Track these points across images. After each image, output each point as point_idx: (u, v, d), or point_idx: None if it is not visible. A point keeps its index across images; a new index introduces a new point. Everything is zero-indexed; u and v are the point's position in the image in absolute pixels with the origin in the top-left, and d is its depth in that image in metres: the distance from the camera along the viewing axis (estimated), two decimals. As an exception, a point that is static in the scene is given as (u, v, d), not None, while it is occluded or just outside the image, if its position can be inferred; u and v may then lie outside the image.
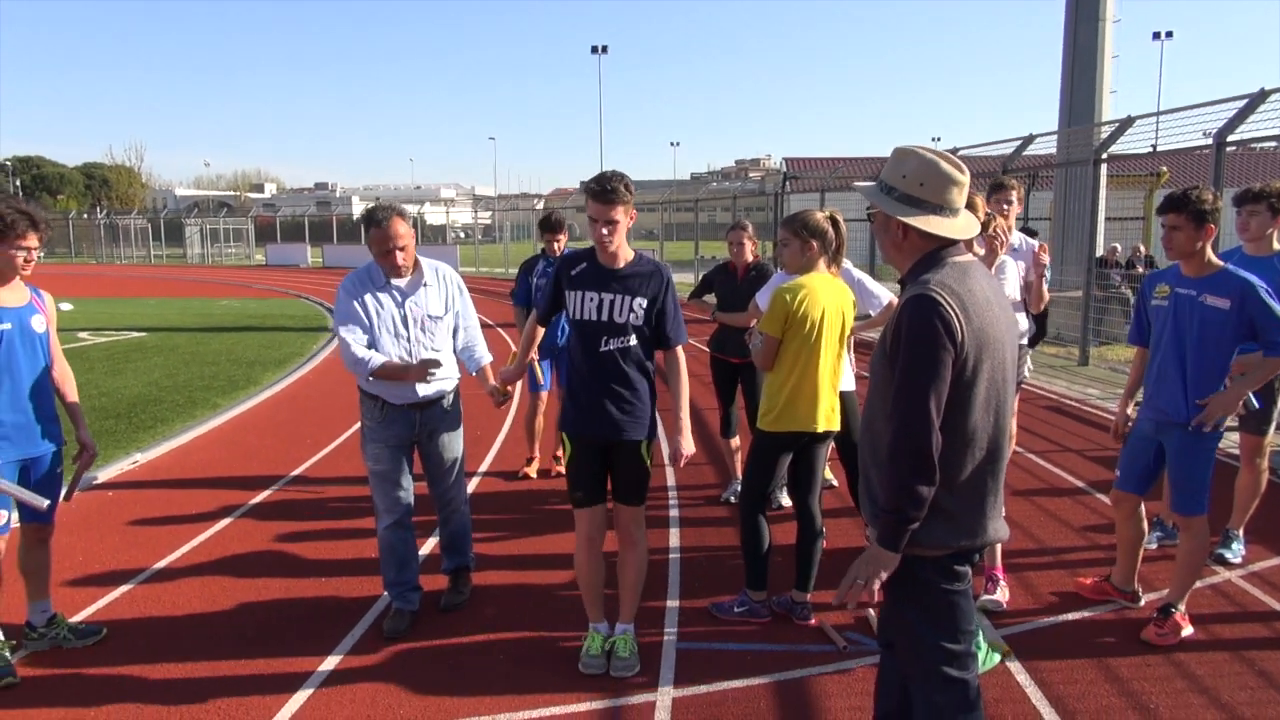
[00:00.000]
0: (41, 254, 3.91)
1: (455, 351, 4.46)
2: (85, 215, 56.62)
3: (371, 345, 4.13)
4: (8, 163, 76.96)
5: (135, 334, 15.82)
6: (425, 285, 4.20)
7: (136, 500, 6.28)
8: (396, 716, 3.51)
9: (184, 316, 19.14)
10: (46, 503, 3.85)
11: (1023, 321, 5.25)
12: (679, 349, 3.86)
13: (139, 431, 8.26)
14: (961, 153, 15.79)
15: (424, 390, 4.18)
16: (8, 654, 3.83)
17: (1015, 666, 3.81)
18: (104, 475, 6.80)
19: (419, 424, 4.24)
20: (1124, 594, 4.40)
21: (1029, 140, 13.70)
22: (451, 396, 4.39)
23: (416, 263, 4.20)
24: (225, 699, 3.63)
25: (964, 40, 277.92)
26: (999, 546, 4.41)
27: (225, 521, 5.78)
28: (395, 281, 4.13)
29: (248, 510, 6.04)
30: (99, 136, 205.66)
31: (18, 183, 70.61)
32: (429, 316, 4.20)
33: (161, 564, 5.07)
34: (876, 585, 2.45)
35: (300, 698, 3.62)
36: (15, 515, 3.91)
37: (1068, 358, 12.18)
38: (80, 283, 28.83)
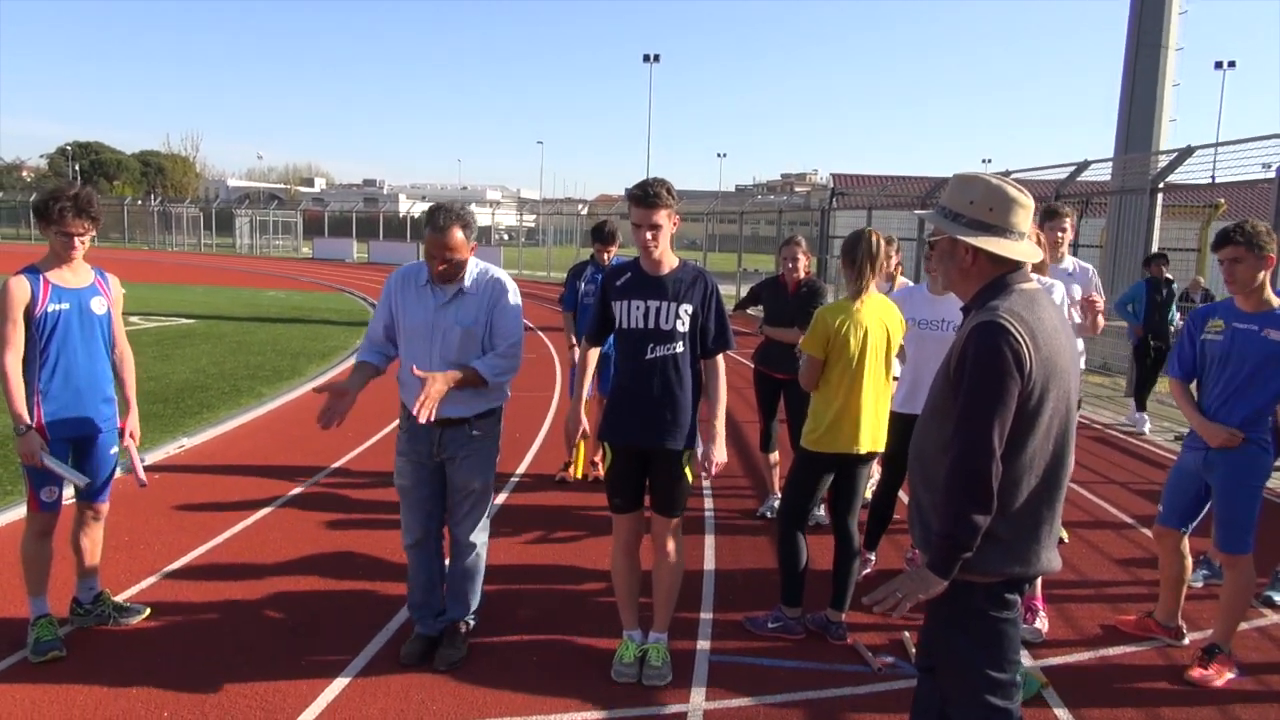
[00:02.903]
0: (91, 240, 3.95)
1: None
2: (140, 202, 57.86)
3: (391, 343, 3.97)
4: (68, 147, 78.96)
5: (184, 321, 16.13)
6: (464, 294, 3.83)
7: (181, 484, 6.40)
8: (429, 713, 3.53)
9: (232, 305, 19.49)
10: (86, 481, 3.94)
11: (1079, 344, 5.22)
12: (719, 358, 3.84)
13: (185, 417, 8.42)
14: (1014, 176, 15.63)
15: (444, 405, 3.69)
16: (56, 629, 3.92)
17: (1052, 698, 3.75)
18: (150, 458, 6.93)
19: (438, 443, 3.88)
20: (1167, 630, 4.31)
21: (1084, 166, 13.52)
22: (482, 422, 3.93)
23: (465, 268, 3.87)
24: (261, 684, 3.68)
25: (1018, 62, 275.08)
26: (1040, 578, 4.34)
27: (267, 510, 5.87)
28: (437, 284, 3.85)
29: (290, 500, 6.12)
30: (157, 125, 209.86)
31: (76, 167, 72.38)
32: (457, 326, 3.82)
33: (204, 548, 5.16)
34: (909, 606, 2.43)
35: (335, 688, 3.66)
36: (69, 493, 4.01)
37: (1114, 388, 11.98)
38: (132, 268, 29.41)
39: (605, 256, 6.48)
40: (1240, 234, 3.88)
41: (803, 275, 5.81)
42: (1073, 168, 13.64)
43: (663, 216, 3.66)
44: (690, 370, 3.77)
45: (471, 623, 4.10)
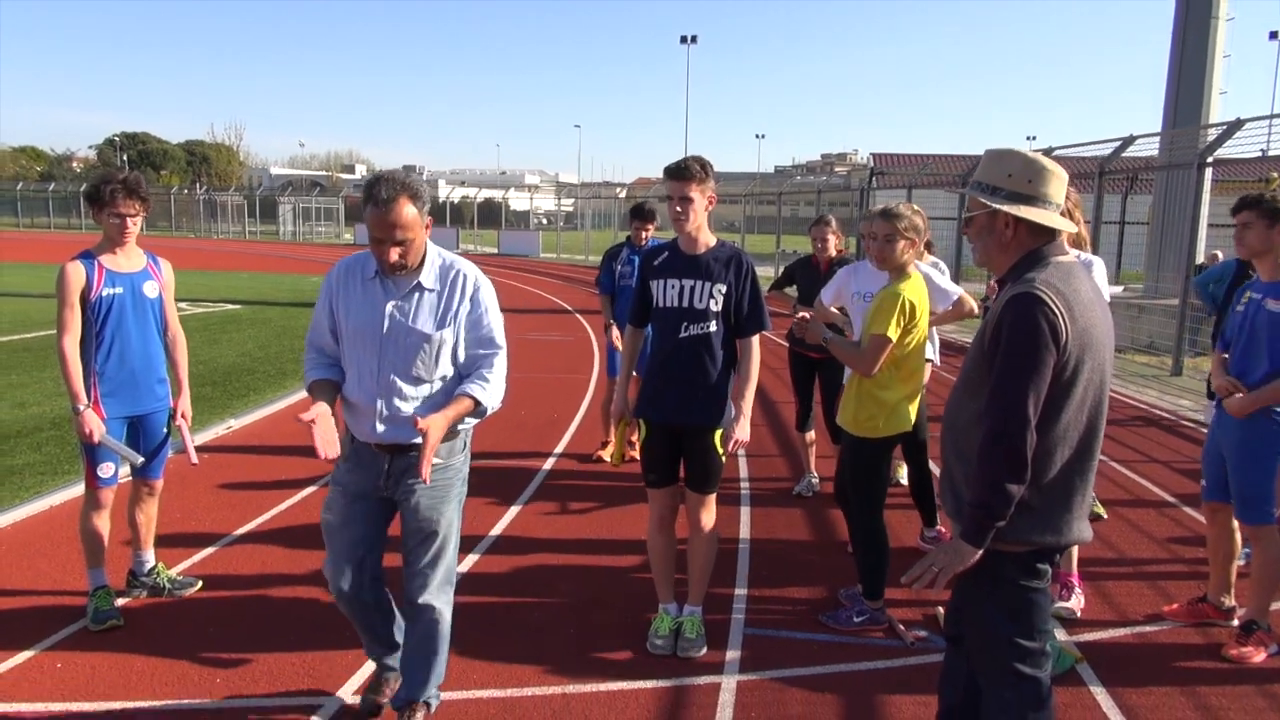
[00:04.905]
0: (142, 222, 4.07)
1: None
2: (186, 191, 58.93)
3: (335, 354, 3.17)
4: (116, 138, 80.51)
5: (230, 306, 16.48)
6: (422, 290, 3.03)
7: (229, 464, 6.58)
8: (468, 681, 3.64)
9: (276, 291, 19.85)
10: (141, 459, 4.10)
11: None
12: (754, 339, 3.84)
13: (233, 399, 8.64)
14: (1057, 153, 15.36)
15: (395, 429, 3.03)
16: (114, 599, 4.08)
17: (1087, 674, 3.76)
18: (200, 439, 7.13)
19: (387, 474, 3.10)
20: (1221, 612, 4.23)
21: (1129, 141, 13.25)
22: (445, 446, 3.07)
23: (422, 258, 3.05)
24: (308, 653, 3.81)
25: (1065, 37, 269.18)
26: (1075, 553, 4.34)
27: (311, 489, 6.02)
28: (387, 276, 3.04)
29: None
30: (201, 114, 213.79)
31: (124, 158, 73.81)
32: (410, 332, 3.00)
33: (252, 524, 5.32)
34: (946, 578, 2.46)
35: (371, 666, 3.77)
36: (125, 470, 4.17)
37: (1160, 367, 11.78)
38: (179, 255, 29.89)
39: (643, 235, 6.52)
40: (1253, 200, 3.96)
41: (834, 254, 5.81)
42: (1118, 143, 13.37)
43: (694, 190, 3.69)
44: (724, 350, 3.80)
45: (434, 704, 3.34)
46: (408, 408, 3.01)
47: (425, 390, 3.04)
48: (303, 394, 8.98)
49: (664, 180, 3.80)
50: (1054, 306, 2.34)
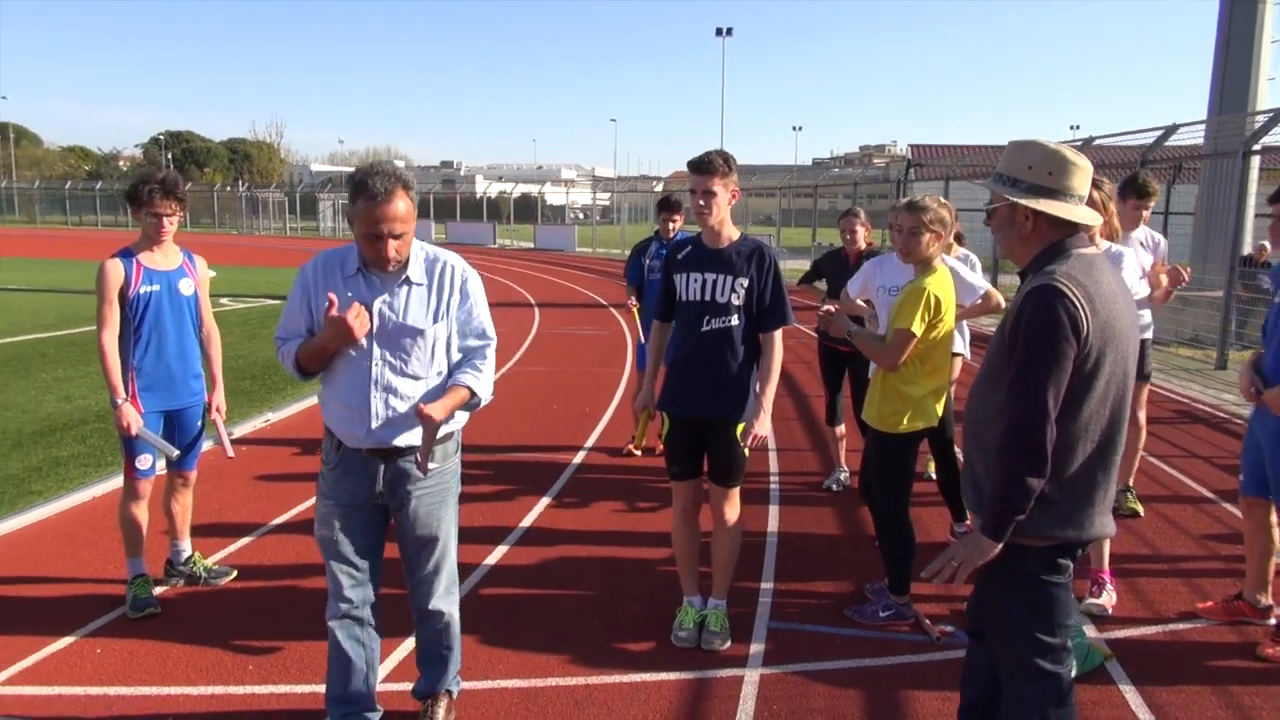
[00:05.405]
0: (179, 221, 4.16)
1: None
2: (228, 188, 59.94)
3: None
4: (161, 136, 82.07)
5: (270, 302, 16.75)
6: (410, 284, 2.94)
7: (267, 456, 6.70)
8: (494, 670, 3.68)
9: (315, 286, 20.09)
10: (176, 452, 4.20)
11: (1146, 315, 5.12)
12: (777, 333, 3.83)
13: (271, 393, 8.80)
14: (1098, 142, 15.09)
15: (391, 432, 2.92)
16: (151, 588, 4.19)
17: (1116, 672, 3.71)
18: (238, 431, 7.28)
19: (383, 480, 2.99)
20: (1257, 611, 4.13)
21: (1172, 130, 12.99)
22: (439, 449, 3.01)
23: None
24: (340, 643, 3.87)
25: (1108, 25, 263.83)
26: (1107, 548, 4.28)
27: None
28: (371, 271, 2.93)
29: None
30: (243, 113, 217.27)
31: (169, 156, 75.20)
32: (403, 328, 2.92)
33: (287, 516, 5.42)
34: (967, 572, 2.45)
35: (406, 646, 3.83)
36: (161, 463, 4.28)
37: (1205, 361, 11.54)
38: (221, 252, 30.50)
39: (670, 226, 6.53)
40: None
41: (863, 246, 5.79)
42: (1160, 132, 13.10)
43: (717, 184, 3.69)
44: (746, 344, 3.80)
45: (455, 691, 3.35)
46: (404, 407, 2.91)
47: (421, 387, 2.95)
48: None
49: (687, 174, 3.81)
50: (1074, 298, 2.32)
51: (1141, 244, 5.28)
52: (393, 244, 2.81)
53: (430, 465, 2.92)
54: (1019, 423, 2.35)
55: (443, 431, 2.91)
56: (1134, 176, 5.32)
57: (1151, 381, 6.03)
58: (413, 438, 2.92)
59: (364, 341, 2.87)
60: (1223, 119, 14.06)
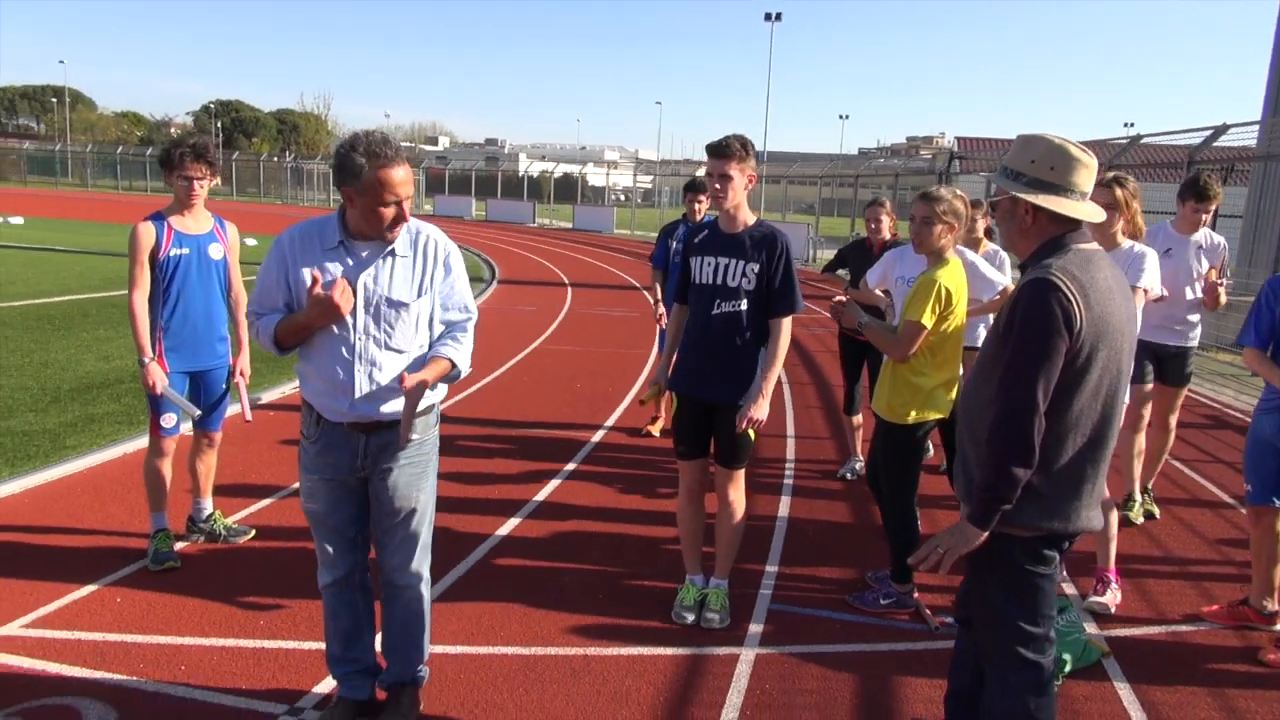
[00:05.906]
0: (209, 185, 4.24)
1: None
2: (276, 158, 60.71)
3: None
4: (211, 105, 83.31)
5: (309, 271, 16.96)
6: (394, 256, 2.91)
7: (291, 421, 6.84)
8: (497, 637, 3.78)
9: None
10: (199, 412, 4.34)
11: (1194, 319, 5.12)
12: (785, 320, 3.84)
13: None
14: (1145, 140, 14.80)
15: (374, 405, 2.91)
16: (172, 543, 4.33)
17: (1113, 669, 3.72)
18: (267, 397, 7.46)
19: (364, 453, 2.97)
20: (1263, 617, 4.11)
21: (1222, 130, 12.67)
22: (420, 421, 2.95)
23: None
24: (349, 603, 3.99)
25: (1166, 18, 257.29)
26: (1113, 547, 4.27)
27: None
28: (354, 244, 2.89)
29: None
30: (292, 84, 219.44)
31: (219, 125, 76.32)
32: (388, 301, 2.89)
33: (308, 480, 5.55)
34: (952, 559, 2.48)
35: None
36: (188, 423, 4.41)
37: (1243, 367, 11.33)
38: (265, 221, 30.97)
39: (697, 208, 6.55)
40: None
41: (888, 237, 5.77)
42: (1209, 132, 12.81)
43: (734, 168, 3.72)
44: (755, 329, 3.83)
45: (422, 677, 3.27)
46: (387, 380, 2.89)
47: (404, 361, 2.92)
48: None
49: (705, 158, 3.84)
50: (1068, 292, 2.33)
51: (1200, 246, 5.23)
52: (394, 213, 2.79)
53: (412, 436, 2.89)
54: (1007, 413, 2.37)
55: (424, 404, 2.88)
56: (1195, 178, 5.23)
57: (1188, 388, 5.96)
58: (394, 410, 2.90)
59: (349, 317, 2.85)
60: (1276, 120, 13.72)
